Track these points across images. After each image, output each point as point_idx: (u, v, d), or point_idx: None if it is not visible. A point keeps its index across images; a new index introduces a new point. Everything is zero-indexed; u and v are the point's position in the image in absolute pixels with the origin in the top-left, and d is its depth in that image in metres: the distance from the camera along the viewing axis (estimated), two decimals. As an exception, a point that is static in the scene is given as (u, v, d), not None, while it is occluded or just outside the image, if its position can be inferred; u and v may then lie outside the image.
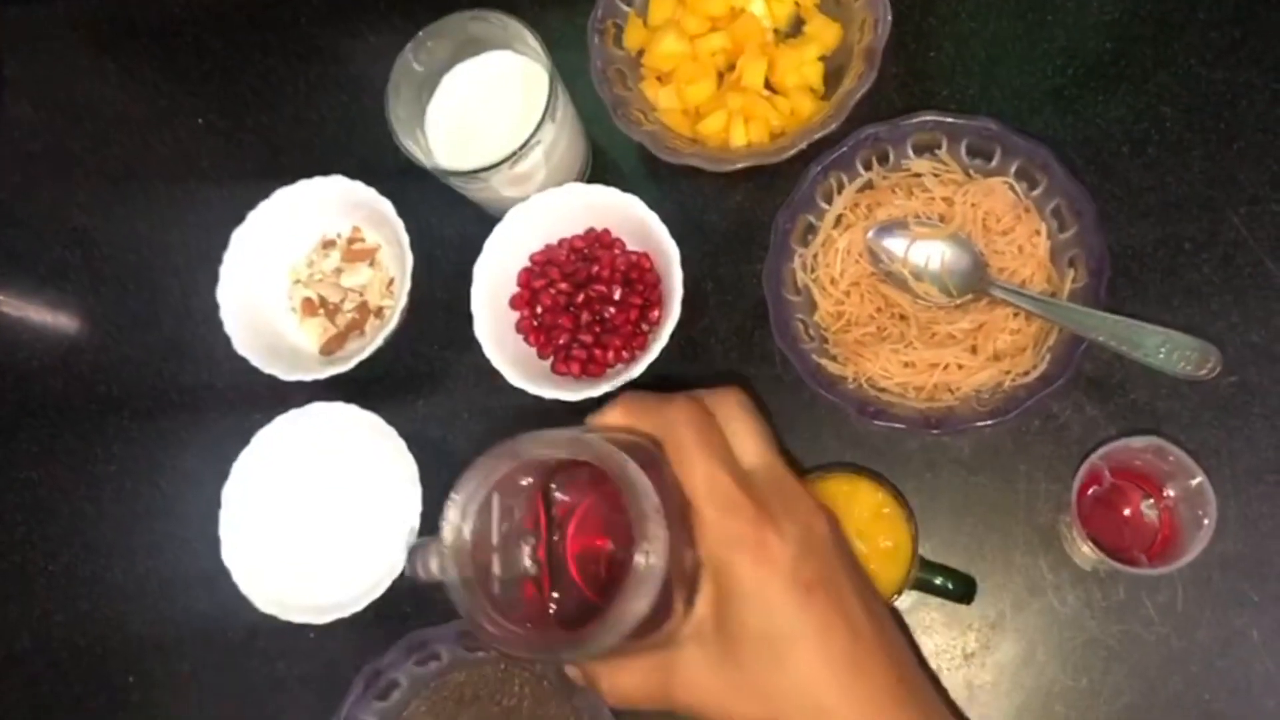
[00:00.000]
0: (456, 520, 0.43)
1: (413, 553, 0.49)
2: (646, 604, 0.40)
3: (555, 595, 0.47)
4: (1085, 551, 0.63)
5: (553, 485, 0.49)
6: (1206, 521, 0.59)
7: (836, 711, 0.40)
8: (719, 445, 0.43)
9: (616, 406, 0.45)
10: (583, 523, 0.49)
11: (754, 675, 0.40)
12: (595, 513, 0.49)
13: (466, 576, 0.43)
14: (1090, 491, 0.64)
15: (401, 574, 0.68)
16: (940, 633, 0.67)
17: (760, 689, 0.40)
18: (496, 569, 0.45)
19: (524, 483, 0.46)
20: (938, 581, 0.64)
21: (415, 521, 0.69)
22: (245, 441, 0.73)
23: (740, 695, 0.41)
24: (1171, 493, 0.63)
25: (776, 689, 0.40)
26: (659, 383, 0.72)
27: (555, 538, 0.48)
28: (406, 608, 0.72)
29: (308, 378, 0.73)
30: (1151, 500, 0.65)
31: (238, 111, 0.87)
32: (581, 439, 0.42)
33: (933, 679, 0.65)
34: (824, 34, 0.76)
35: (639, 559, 0.40)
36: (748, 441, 0.45)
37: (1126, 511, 0.65)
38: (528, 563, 0.48)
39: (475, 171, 0.68)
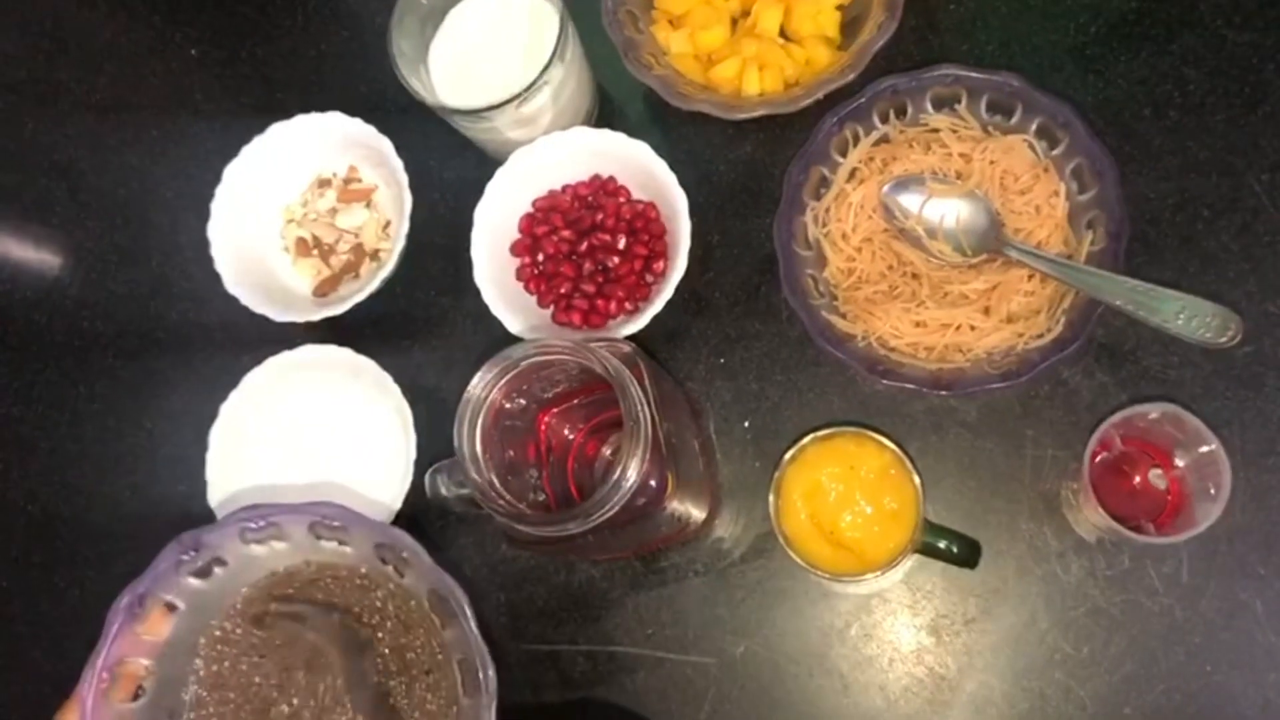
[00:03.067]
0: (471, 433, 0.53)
1: (433, 474, 0.58)
2: (635, 473, 0.51)
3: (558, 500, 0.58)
4: (1092, 520, 0.61)
5: (546, 418, 0.59)
6: (1214, 491, 0.58)
7: None
8: None
9: None
10: (575, 437, 0.60)
11: None
12: (585, 431, 0.59)
13: (486, 478, 0.53)
14: (1098, 459, 0.63)
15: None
16: (941, 598, 0.66)
17: None
18: (508, 484, 0.54)
19: (520, 407, 0.55)
20: (942, 545, 0.62)
21: (413, 453, 0.68)
22: (234, 383, 0.72)
23: None
24: (1181, 462, 0.62)
25: None
26: (663, 335, 0.71)
27: (553, 458, 0.57)
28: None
29: (300, 319, 0.71)
30: (1160, 470, 0.64)
31: (233, 43, 0.84)
32: (578, 343, 0.52)
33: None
34: (842, -18, 0.73)
35: (628, 424, 0.51)
36: None
37: (1135, 480, 0.64)
38: (533, 473, 0.58)
39: (480, 110, 0.66)
